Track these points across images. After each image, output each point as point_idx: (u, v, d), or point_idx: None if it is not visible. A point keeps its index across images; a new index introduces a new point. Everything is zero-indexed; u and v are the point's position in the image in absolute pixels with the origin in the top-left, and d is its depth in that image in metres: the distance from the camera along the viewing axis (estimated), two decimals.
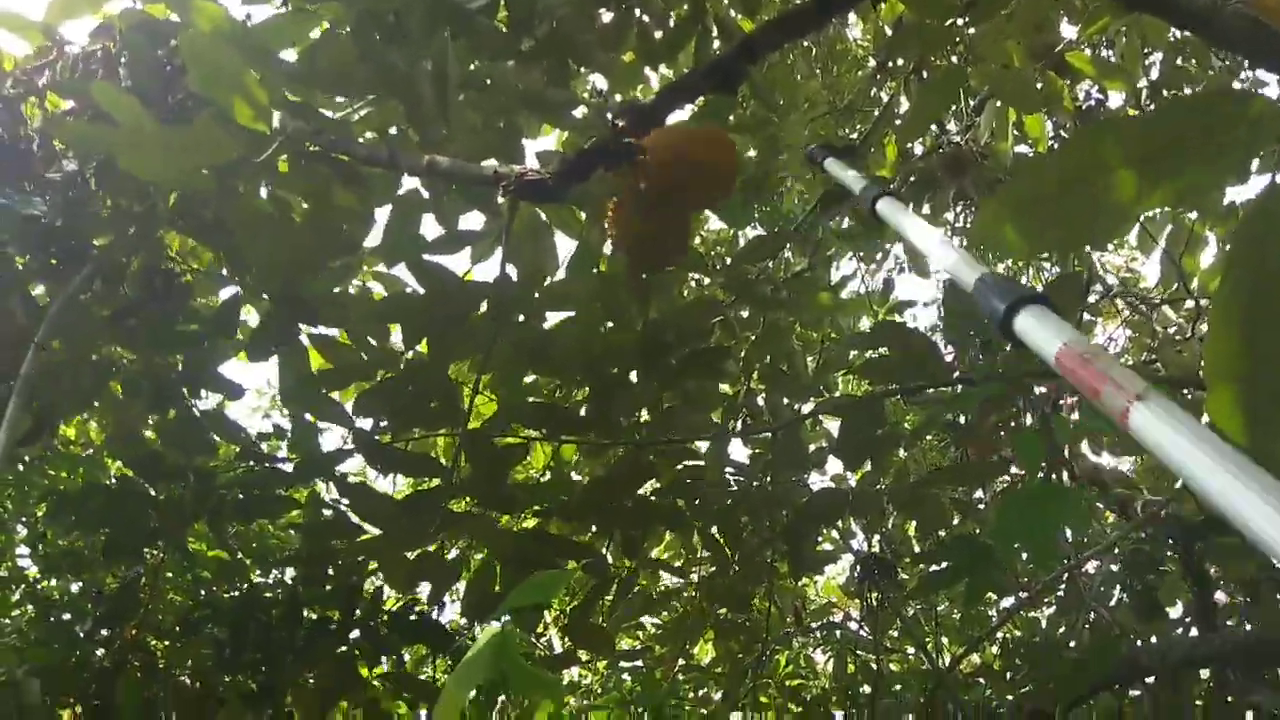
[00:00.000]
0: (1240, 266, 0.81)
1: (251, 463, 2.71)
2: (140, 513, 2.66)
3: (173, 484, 2.71)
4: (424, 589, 2.53)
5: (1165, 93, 4.14)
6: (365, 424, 2.46)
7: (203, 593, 3.26)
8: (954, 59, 3.46)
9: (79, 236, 2.59)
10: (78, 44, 2.78)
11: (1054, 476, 3.11)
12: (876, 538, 3.63)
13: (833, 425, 4.01)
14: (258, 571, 3.47)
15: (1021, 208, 0.79)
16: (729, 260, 3.90)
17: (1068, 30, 3.60)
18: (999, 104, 3.21)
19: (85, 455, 3.99)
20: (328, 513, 2.61)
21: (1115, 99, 4.27)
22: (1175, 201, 1.09)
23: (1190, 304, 3.70)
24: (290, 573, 3.05)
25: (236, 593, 3.12)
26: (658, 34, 3.12)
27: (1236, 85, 4.02)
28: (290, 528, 3.14)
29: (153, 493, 2.70)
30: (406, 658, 3.11)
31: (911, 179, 3.90)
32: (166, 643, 3.10)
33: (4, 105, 2.61)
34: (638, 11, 3.05)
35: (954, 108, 3.66)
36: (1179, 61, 3.93)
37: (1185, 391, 2.55)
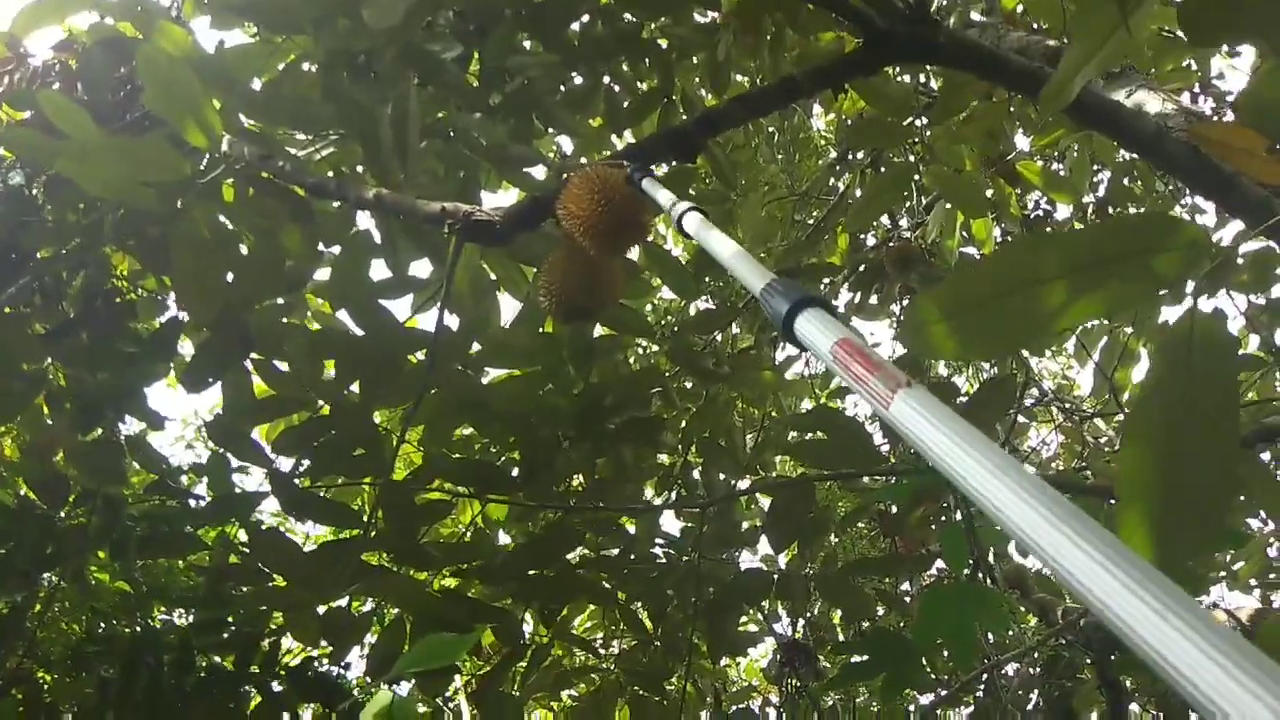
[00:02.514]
0: (1158, 387, 0.81)
1: (163, 496, 2.60)
2: (39, 536, 2.54)
3: (78, 509, 2.60)
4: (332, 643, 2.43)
5: (1110, 209, 4.29)
6: (286, 465, 2.39)
7: (101, 625, 3.11)
8: (910, 156, 3.56)
9: (19, 249, 2.51)
10: (40, 56, 2.74)
11: (979, 574, 3.12)
12: (801, 622, 3.59)
13: (767, 503, 4.01)
14: (159, 609, 3.32)
15: (953, 310, 0.79)
16: (676, 329, 3.92)
17: (1021, 140, 3.74)
18: (949, 205, 3.30)
19: None
20: (235, 556, 2.50)
21: (1063, 210, 4.43)
22: (1104, 315, 1.10)
23: (1121, 417, 3.78)
24: (189, 615, 2.91)
25: (135, 629, 2.97)
26: (625, 101, 3.16)
27: (1178, 210, 4.19)
28: (194, 568, 3.01)
29: (56, 517, 2.58)
30: (307, 716, 2.98)
31: (861, 268, 3.97)
32: (54, 676, 2.94)
33: None
34: (607, 78, 3.09)
35: (906, 204, 3.75)
36: (1126, 181, 4.09)
37: (1111, 500, 2.59)
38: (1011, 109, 3.34)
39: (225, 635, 2.36)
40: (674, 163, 2.21)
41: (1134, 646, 0.46)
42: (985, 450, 0.58)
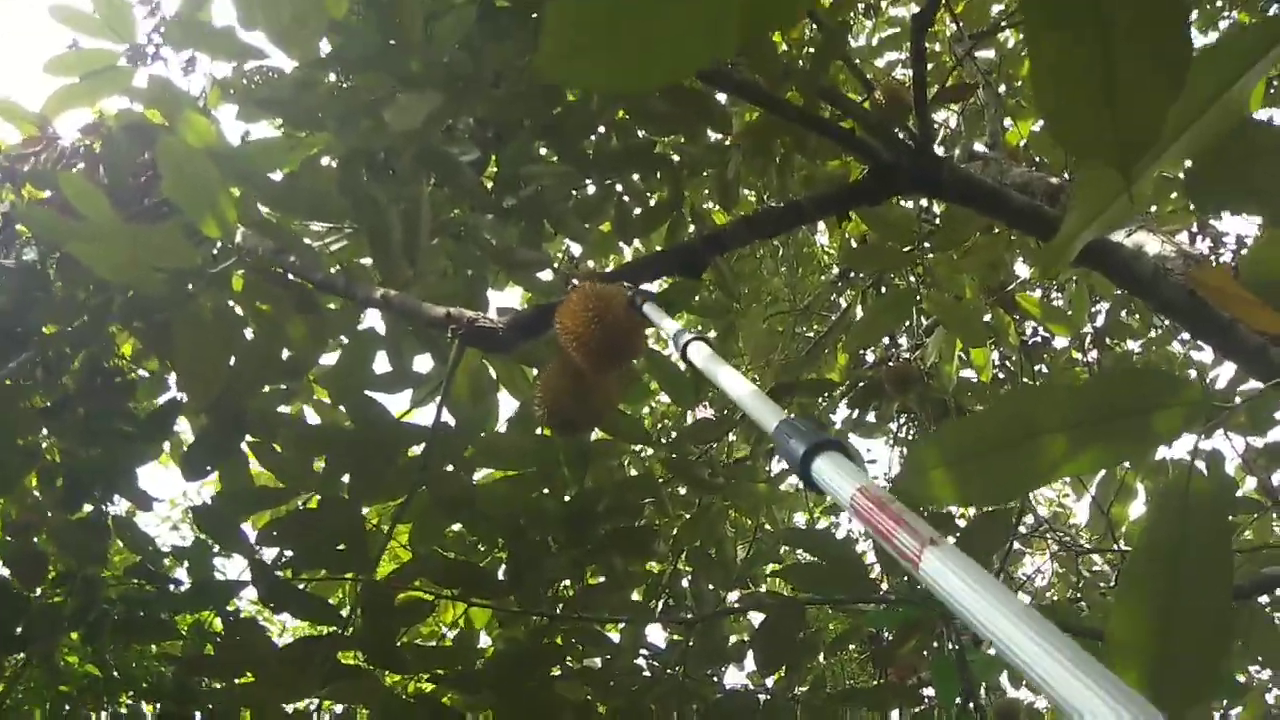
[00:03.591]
0: (1151, 547, 0.81)
1: (143, 580, 2.55)
2: (10, 615, 2.48)
3: (54, 590, 2.55)
4: None
5: (1108, 341, 4.34)
6: (269, 554, 2.34)
7: (66, 708, 3.00)
8: (911, 278, 3.62)
9: (26, 323, 2.53)
10: (68, 138, 2.82)
11: (970, 706, 3.03)
12: None
13: (756, 618, 3.92)
14: (128, 695, 3.21)
15: (953, 458, 0.79)
16: (674, 436, 3.91)
17: (1022, 267, 3.80)
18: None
19: None
20: (210, 646, 2.44)
21: (1061, 340, 4.47)
22: (1101, 467, 1.10)
23: (1117, 551, 3.75)
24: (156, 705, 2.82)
25: (101, 716, 2.88)
26: (636, 210, 3.23)
27: (1176, 345, 4.24)
28: (166, 658, 2.93)
29: (29, 596, 2.52)
30: None
31: (860, 385, 3.98)
32: None
33: None
34: (618, 188, 3.17)
35: (907, 324, 3.79)
36: (1123, 315, 4.15)
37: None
38: (1013, 237, 3.42)
39: None
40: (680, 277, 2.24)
41: None
42: (1026, 617, 0.58)
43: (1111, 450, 0.87)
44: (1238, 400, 3.02)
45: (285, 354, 2.46)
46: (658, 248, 3.85)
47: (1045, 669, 0.54)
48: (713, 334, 3.78)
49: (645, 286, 2.72)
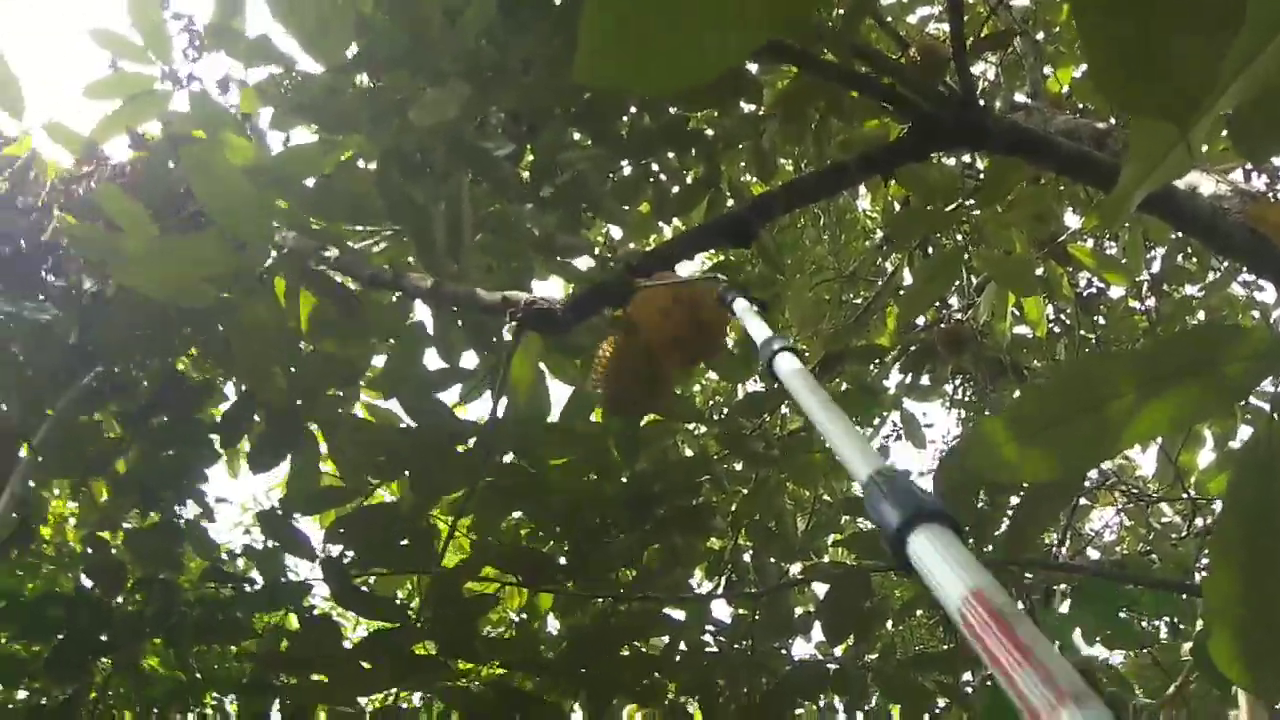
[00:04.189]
0: (1238, 508, 0.79)
1: (216, 583, 2.62)
2: (93, 624, 2.56)
3: (134, 596, 2.63)
4: None
5: (1165, 287, 4.23)
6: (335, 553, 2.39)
7: (155, 711, 3.10)
8: (959, 237, 3.55)
9: (93, 341, 2.60)
10: (117, 157, 2.87)
11: None
12: (859, 716, 3.46)
13: (820, 589, 3.91)
14: (212, 696, 3.30)
15: (1022, 432, 0.77)
16: (725, 412, 3.90)
17: (1073, 219, 3.71)
18: (999, 286, 3.27)
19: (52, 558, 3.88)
20: (285, 642, 2.50)
21: (1116, 289, 4.36)
22: (1179, 428, 1.07)
23: (1186, 498, 3.66)
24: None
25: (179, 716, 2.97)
26: (673, 189, 3.21)
27: (1237, 287, 4.11)
28: (246, 655, 3.01)
29: (111, 604, 2.60)
30: None
31: (912, 348, 3.93)
32: None
33: (37, 214, 2.67)
34: (655, 167, 3.15)
35: (957, 284, 3.72)
36: (1180, 260, 4.03)
37: (1184, 596, 2.49)
38: (1061, 188, 3.33)
39: None
40: (728, 248, 2.22)
41: None
42: None
43: (1186, 408, 0.84)
44: None
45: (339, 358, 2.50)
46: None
47: None
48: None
49: (690, 261, 2.70)
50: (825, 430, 0.85)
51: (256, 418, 2.77)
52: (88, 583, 2.74)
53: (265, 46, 2.51)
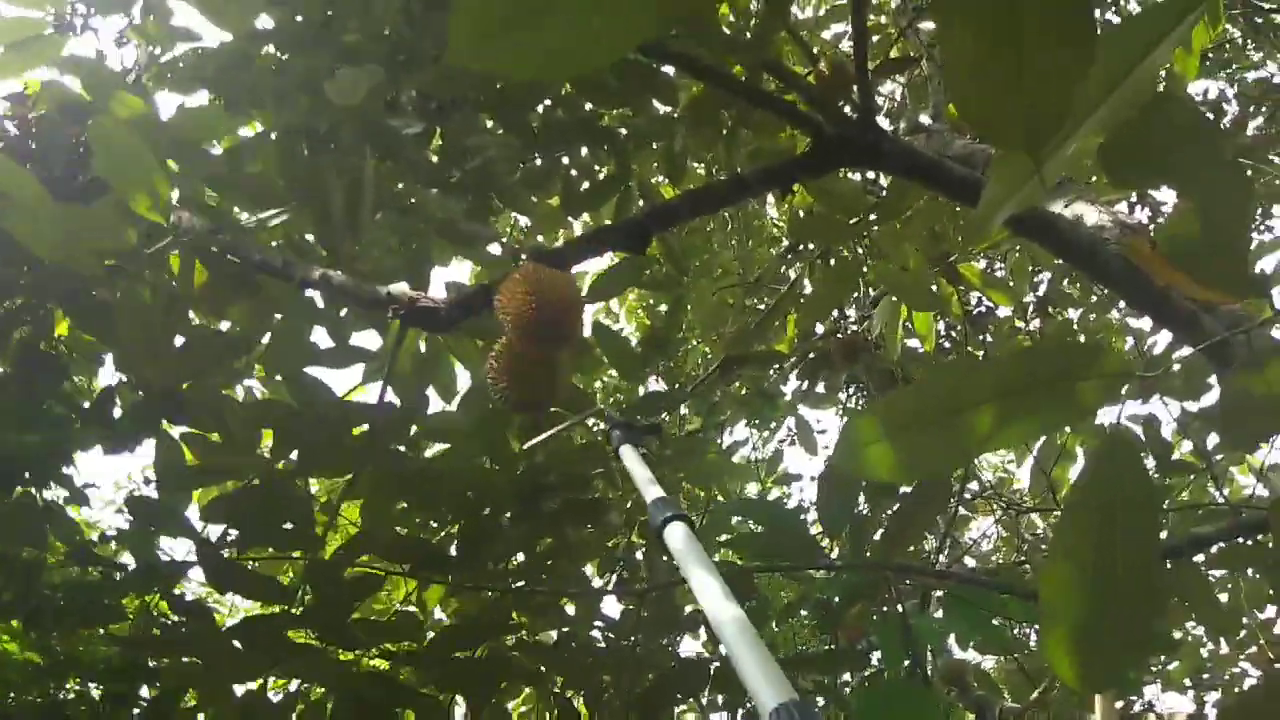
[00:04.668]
0: (1075, 518, 0.83)
1: (84, 566, 2.50)
2: None
3: None
4: None
5: (1050, 309, 4.43)
6: (214, 532, 2.32)
7: (11, 697, 2.94)
8: (859, 249, 3.65)
9: None
10: None
11: (916, 670, 3.11)
12: (740, 713, 3.53)
13: None
14: (75, 679, 3.15)
15: (888, 432, 0.80)
16: (624, 409, 3.91)
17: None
18: (894, 300, 3.38)
19: None
20: (156, 629, 2.41)
21: (1004, 309, 4.56)
22: (1030, 438, 1.12)
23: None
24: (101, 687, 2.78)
25: (44, 700, 2.83)
26: (583, 185, 3.21)
27: (1115, 314, 4.34)
28: (112, 639, 2.89)
29: None
30: None
31: (809, 356, 4.02)
32: None
33: None
34: (565, 161, 3.14)
35: (855, 296, 3.83)
36: (1064, 283, 4.24)
37: None
38: (957, 209, 3.46)
39: (138, 711, 2.25)
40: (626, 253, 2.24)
41: None
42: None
43: (1039, 420, 0.89)
44: (1175, 367, 3.11)
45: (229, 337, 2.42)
46: (607, 221, 3.85)
47: None
48: (663, 308, 3.79)
49: (588, 263, 2.69)
50: (717, 623, 0.88)
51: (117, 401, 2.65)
52: None
53: (163, 12, 2.42)
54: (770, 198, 4.65)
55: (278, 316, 2.42)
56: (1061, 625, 0.85)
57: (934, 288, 3.08)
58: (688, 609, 3.36)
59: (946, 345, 4.35)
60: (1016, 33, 0.52)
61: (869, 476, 0.81)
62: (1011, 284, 3.20)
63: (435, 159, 2.91)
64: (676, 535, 1.09)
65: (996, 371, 0.87)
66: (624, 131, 3.13)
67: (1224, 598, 3.50)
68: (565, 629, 2.93)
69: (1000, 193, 0.75)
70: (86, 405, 2.63)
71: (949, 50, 0.55)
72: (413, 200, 2.86)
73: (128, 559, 2.77)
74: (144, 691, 2.57)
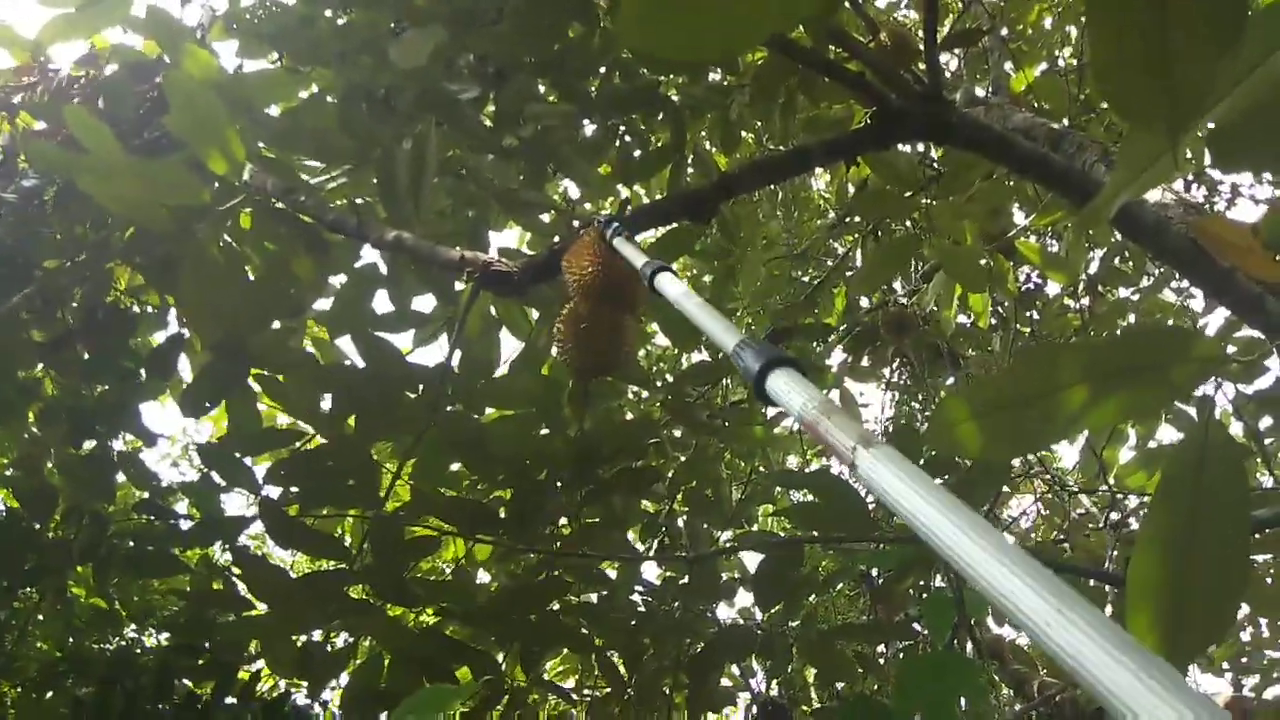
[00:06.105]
0: (1169, 500, 0.84)
1: (150, 516, 2.58)
2: (21, 549, 2.51)
3: (64, 523, 2.57)
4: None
5: (1100, 288, 4.37)
6: (273, 492, 2.37)
7: (70, 640, 3.05)
8: (910, 224, 3.62)
9: (26, 256, 2.52)
10: (63, 68, 2.76)
11: (956, 644, 3.13)
12: (776, 681, 3.57)
13: (746, 557, 4.01)
14: (132, 627, 3.26)
15: (978, 414, 0.82)
16: (671, 379, 3.94)
17: (1019, 216, 3.81)
18: (947, 276, 3.35)
19: None
20: (218, 582, 2.48)
21: (1054, 286, 4.51)
22: (1120, 419, 1.13)
23: (1105, 492, 3.83)
24: (164, 638, 2.88)
25: (108, 647, 2.93)
26: (637, 153, 3.20)
27: (1169, 293, 4.28)
28: (174, 591, 2.98)
29: (38, 530, 2.55)
30: None
31: (856, 329, 4.01)
32: (19, 694, 2.87)
33: None
34: (621, 129, 3.14)
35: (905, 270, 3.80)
36: (1117, 262, 4.17)
37: (1089, 581, 2.61)
38: (1011, 184, 3.41)
39: (202, 661, 2.33)
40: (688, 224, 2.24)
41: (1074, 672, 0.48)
42: (952, 509, 0.58)
43: (1131, 402, 0.89)
44: (1231, 349, 3.07)
45: (290, 293, 2.46)
46: (658, 192, 3.84)
47: (983, 567, 0.55)
48: (709, 278, 3.79)
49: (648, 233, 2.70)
50: (698, 320, 1.05)
51: (185, 358, 2.71)
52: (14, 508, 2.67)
53: None
54: (819, 170, 4.61)
55: (340, 278, 2.45)
56: (1151, 603, 0.86)
57: (988, 263, 3.05)
58: (725, 576, 3.40)
59: (993, 322, 4.32)
60: (1165, 11, 0.52)
61: (961, 454, 0.82)
62: (1067, 261, 3.16)
63: (490, 125, 2.92)
64: (664, 280, 1.25)
65: (1090, 355, 0.87)
66: (680, 100, 3.12)
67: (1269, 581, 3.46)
68: (605, 592, 2.97)
69: (1130, 173, 0.75)
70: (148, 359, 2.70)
71: (1094, 26, 0.55)
72: (463, 169, 2.88)
73: (182, 511, 2.86)
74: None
